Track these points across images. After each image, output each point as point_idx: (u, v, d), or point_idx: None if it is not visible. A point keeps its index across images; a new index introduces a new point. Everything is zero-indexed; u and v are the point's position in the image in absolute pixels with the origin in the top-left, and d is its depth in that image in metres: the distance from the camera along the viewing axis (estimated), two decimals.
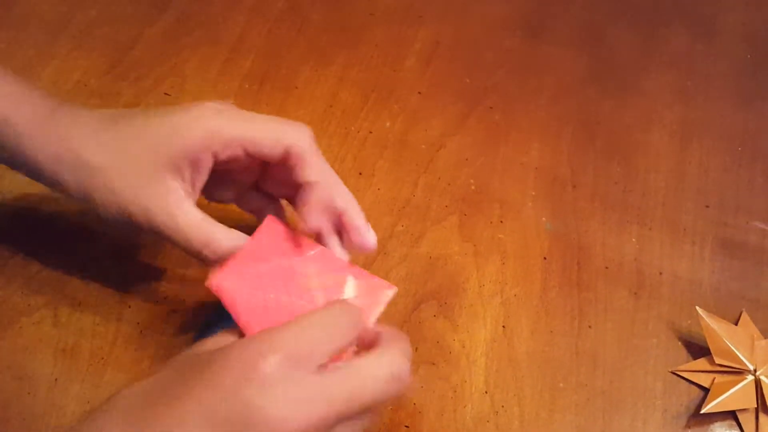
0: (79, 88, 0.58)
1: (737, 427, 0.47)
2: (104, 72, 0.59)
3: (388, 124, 0.60)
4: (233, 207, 0.45)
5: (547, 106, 0.62)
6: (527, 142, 0.60)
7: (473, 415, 0.46)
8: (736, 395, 0.46)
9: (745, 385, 0.46)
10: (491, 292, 0.51)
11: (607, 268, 0.53)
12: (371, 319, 0.38)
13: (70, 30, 0.62)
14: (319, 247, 0.40)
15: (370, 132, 0.59)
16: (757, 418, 0.46)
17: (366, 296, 0.39)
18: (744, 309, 0.51)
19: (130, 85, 0.59)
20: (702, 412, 0.45)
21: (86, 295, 0.48)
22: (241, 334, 0.35)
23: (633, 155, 0.59)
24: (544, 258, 0.53)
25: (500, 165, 0.58)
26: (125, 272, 0.50)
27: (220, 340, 0.34)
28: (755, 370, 0.47)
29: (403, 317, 0.49)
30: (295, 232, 0.40)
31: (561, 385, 0.48)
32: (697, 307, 0.48)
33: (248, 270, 0.37)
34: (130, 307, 0.48)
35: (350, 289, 0.39)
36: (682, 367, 0.49)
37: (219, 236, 0.38)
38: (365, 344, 0.37)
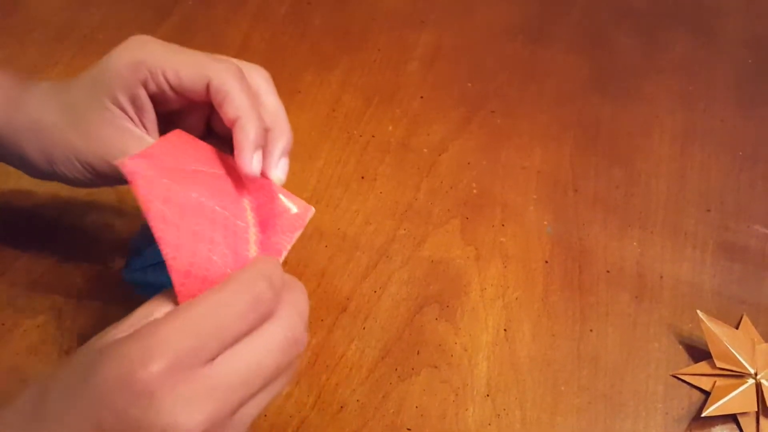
0: None
1: (738, 431, 0.47)
2: None
3: (390, 128, 0.60)
4: None
5: (549, 111, 0.62)
6: (529, 146, 0.60)
7: (475, 418, 0.46)
8: (736, 399, 0.46)
9: (745, 388, 0.46)
10: (493, 296, 0.51)
11: (608, 271, 0.53)
12: (290, 243, 0.36)
13: (74, 35, 0.63)
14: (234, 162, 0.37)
15: (373, 136, 0.59)
16: (757, 421, 0.46)
17: (286, 219, 0.36)
18: (745, 313, 0.51)
19: None
20: (703, 415, 0.45)
21: (90, 297, 0.49)
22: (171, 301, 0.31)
23: (634, 159, 0.60)
24: (546, 261, 0.53)
25: (502, 169, 0.58)
26: None
27: (123, 326, 0.31)
28: (756, 374, 0.47)
29: (405, 320, 0.50)
30: (205, 144, 0.38)
31: (562, 388, 0.48)
32: (699, 311, 0.48)
33: (169, 161, 0.34)
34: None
35: (279, 204, 0.36)
36: (683, 371, 0.49)
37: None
38: None
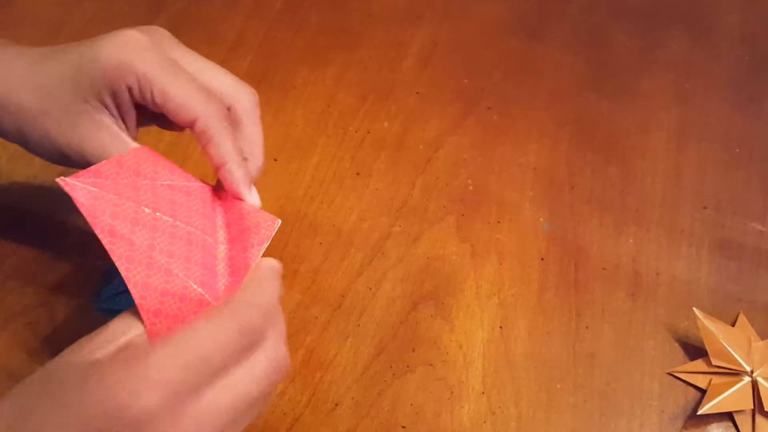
0: None
1: (734, 429, 0.46)
2: None
3: (386, 124, 0.60)
4: None
5: (545, 108, 0.62)
6: (525, 143, 0.60)
7: (470, 416, 0.46)
8: (732, 397, 0.46)
9: (741, 386, 0.46)
10: (488, 293, 0.51)
11: (604, 269, 0.53)
12: (258, 256, 0.35)
13: (67, 30, 0.62)
14: (200, 183, 0.38)
15: (368, 132, 0.59)
16: (753, 419, 0.46)
17: (252, 231, 0.36)
18: (741, 310, 0.51)
19: None
20: (699, 413, 0.45)
21: (82, 294, 0.48)
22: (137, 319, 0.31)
23: (630, 157, 0.59)
24: (542, 259, 0.53)
25: (498, 166, 0.58)
26: None
27: (99, 339, 0.30)
28: (752, 372, 0.47)
29: (400, 318, 0.49)
30: (171, 163, 0.38)
31: (558, 386, 0.48)
32: (695, 309, 0.48)
33: (123, 177, 0.34)
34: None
35: (246, 219, 0.37)
36: (679, 369, 0.49)
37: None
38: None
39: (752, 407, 0.46)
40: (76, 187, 0.32)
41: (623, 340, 0.50)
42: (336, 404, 0.45)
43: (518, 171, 0.58)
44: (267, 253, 0.35)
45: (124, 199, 0.33)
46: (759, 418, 0.46)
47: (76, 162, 0.38)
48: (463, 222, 0.55)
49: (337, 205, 0.55)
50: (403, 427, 0.45)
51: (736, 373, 0.47)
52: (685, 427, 0.47)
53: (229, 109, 0.39)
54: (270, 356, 0.31)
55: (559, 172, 0.58)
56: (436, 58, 0.65)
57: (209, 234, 0.35)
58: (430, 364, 0.48)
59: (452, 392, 0.47)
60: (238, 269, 0.34)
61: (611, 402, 0.47)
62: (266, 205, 0.39)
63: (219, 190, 0.39)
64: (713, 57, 0.67)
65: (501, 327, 0.50)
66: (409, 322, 0.49)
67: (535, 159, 0.59)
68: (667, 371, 0.49)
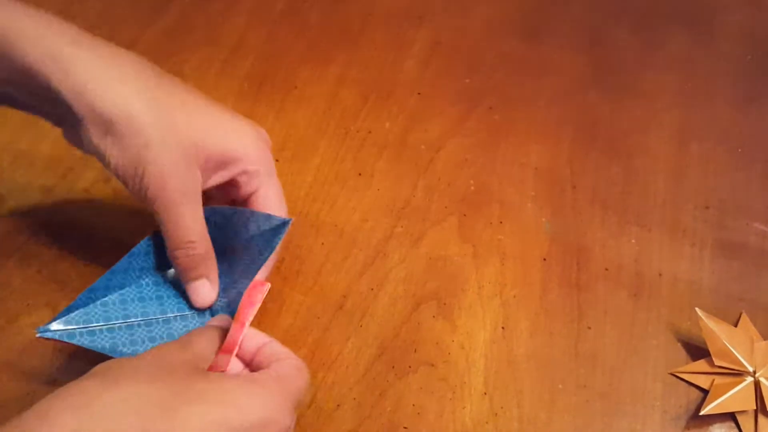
0: None
1: (736, 429, 0.46)
2: None
3: (387, 124, 0.60)
4: None
5: (547, 107, 0.62)
6: (527, 143, 0.60)
7: (472, 416, 0.46)
8: (735, 397, 0.46)
9: (744, 386, 0.46)
10: (491, 293, 0.51)
11: (606, 269, 0.53)
12: (249, 319, 0.39)
13: None
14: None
15: (370, 132, 0.59)
16: (756, 419, 0.46)
17: (249, 295, 0.41)
18: (743, 310, 0.51)
19: None
20: (701, 413, 0.45)
21: None
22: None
23: (632, 156, 0.59)
24: (544, 259, 0.53)
25: (500, 166, 0.58)
26: None
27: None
28: (755, 372, 0.47)
29: (403, 318, 0.49)
30: None
31: (560, 386, 0.48)
32: (697, 309, 0.48)
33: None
34: None
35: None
36: (681, 369, 0.48)
37: (199, 239, 0.42)
38: (247, 362, 0.39)
39: (755, 408, 0.46)
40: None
41: (626, 341, 0.50)
42: (338, 404, 0.45)
43: (520, 171, 0.58)
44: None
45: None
46: (762, 419, 0.46)
47: (142, 191, 0.40)
48: (465, 222, 0.55)
49: (339, 205, 0.55)
50: (405, 427, 0.45)
51: (739, 374, 0.47)
52: (687, 427, 0.46)
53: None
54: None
55: (561, 172, 0.58)
56: (438, 59, 0.65)
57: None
58: (432, 365, 0.48)
59: (454, 393, 0.47)
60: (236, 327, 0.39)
61: (613, 402, 0.47)
62: None
63: None
64: (715, 56, 0.67)
65: (503, 327, 0.50)
66: (411, 323, 0.49)
67: (536, 159, 0.59)
68: (669, 371, 0.49)
